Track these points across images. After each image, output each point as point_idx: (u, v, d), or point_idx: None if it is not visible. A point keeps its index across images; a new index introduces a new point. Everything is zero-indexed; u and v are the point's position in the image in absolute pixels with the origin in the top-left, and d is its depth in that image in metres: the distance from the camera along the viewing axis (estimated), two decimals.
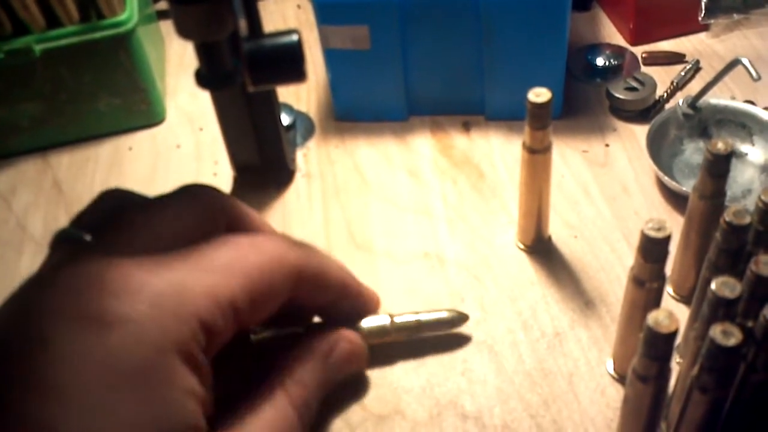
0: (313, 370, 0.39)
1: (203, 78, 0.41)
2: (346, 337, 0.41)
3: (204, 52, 0.40)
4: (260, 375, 0.38)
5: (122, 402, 0.29)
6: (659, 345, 0.31)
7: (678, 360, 0.42)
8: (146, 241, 0.34)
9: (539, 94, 0.42)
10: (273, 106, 0.52)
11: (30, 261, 0.53)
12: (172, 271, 0.32)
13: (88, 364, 0.29)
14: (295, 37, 0.39)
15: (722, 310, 0.32)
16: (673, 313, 0.31)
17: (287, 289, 0.36)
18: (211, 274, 0.33)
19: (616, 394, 0.42)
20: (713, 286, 0.32)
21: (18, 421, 0.28)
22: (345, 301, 0.41)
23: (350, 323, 0.42)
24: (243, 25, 0.44)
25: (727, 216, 0.36)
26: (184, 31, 0.38)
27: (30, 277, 0.32)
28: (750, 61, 0.52)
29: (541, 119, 0.43)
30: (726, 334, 0.30)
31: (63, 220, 0.55)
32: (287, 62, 0.39)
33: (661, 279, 0.37)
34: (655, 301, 0.38)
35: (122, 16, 0.57)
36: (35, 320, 0.29)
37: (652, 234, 0.35)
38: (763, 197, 0.35)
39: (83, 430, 0.28)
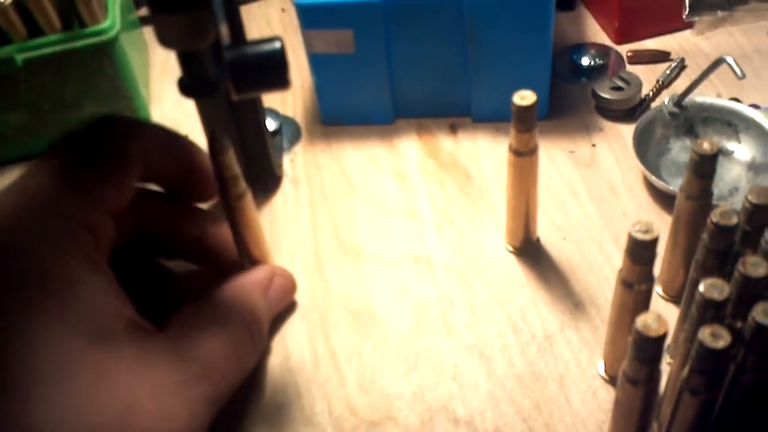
0: (258, 300, 0.42)
1: (186, 86, 0.41)
2: (280, 271, 0.45)
3: (186, 60, 0.39)
4: (202, 298, 0.40)
5: (45, 311, 0.31)
6: (648, 348, 0.31)
7: (669, 360, 0.42)
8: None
9: (524, 97, 0.42)
10: (258, 113, 0.52)
11: None
12: (37, 193, 0.36)
13: None
14: (278, 45, 0.39)
15: (711, 312, 0.32)
16: (661, 316, 0.31)
17: (136, 160, 0.39)
18: (69, 180, 0.36)
19: (607, 395, 0.42)
20: (701, 288, 0.32)
21: None
22: (191, 176, 0.43)
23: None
24: (225, 31, 0.43)
25: (714, 217, 0.36)
26: (165, 40, 0.38)
27: None
28: (735, 59, 0.52)
29: (526, 122, 0.43)
30: (715, 337, 0.30)
31: None
32: (270, 70, 0.39)
33: (649, 281, 0.37)
34: (644, 303, 0.38)
35: (104, 24, 0.57)
36: None
37: (640, 236, 0.35)
38: (749, 197, 0.35)
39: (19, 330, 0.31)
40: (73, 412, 0.30)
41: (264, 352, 0.45)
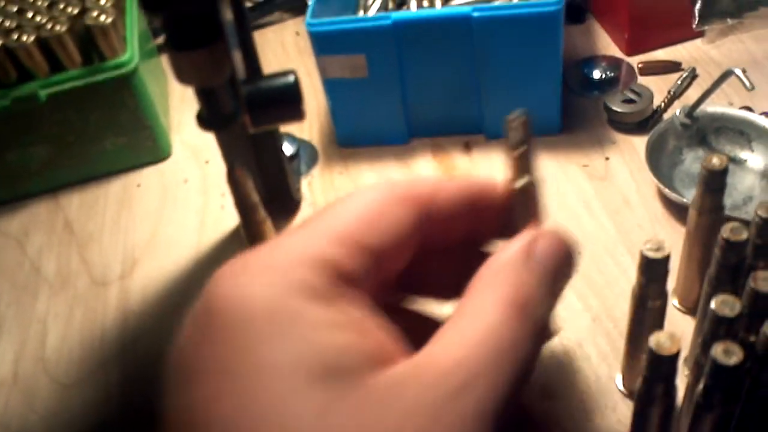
0: (519, 271, 0.31)
1: (204, 120, 0.42)
2: (543, 233, 0.32)
3: (204, 96, 0.41)
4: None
5: (265, 348, 0.28)
6: (662, 366, 0.32)
7: (686, 373, 0.43)
8: None
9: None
10: (276, 139, 0.53)
11: (45, 304, 0.54)
12: (282, 239, 0.31)
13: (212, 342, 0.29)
14: (291, 78, 0.40)
15: (723, 328, 0.32)
16: (674, 334, 0.31)
17: (409, 218, 0.31)
18: (312, 228, 0.31)
19: (626, 409, 0.42)
20: (713, 305, 0.32)
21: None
22: (484, 215, 0.34)
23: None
24: (239, 62, 0.45)
25: (724, 233, 0.36)
26: (183, 78, 0.39)
27: None
28: (744, 70, 0.52)
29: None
30: (727, 353, 0.31)
31: (75, 261, 0.57)
32: (285, 103, 0.40)
33: (662, 297, 0.37)
34: (659, 319, 0.38)
35: (124, 57, 0.58)
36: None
37: (651, 254, 0.35)
38: (759, 212, 0.36)
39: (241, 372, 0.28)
40: None
41: None
